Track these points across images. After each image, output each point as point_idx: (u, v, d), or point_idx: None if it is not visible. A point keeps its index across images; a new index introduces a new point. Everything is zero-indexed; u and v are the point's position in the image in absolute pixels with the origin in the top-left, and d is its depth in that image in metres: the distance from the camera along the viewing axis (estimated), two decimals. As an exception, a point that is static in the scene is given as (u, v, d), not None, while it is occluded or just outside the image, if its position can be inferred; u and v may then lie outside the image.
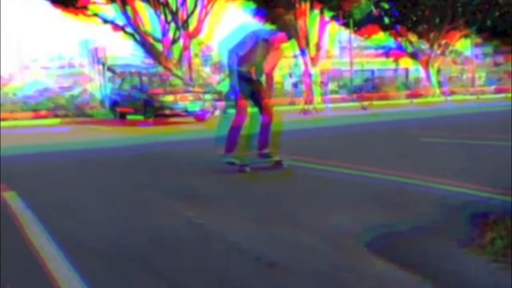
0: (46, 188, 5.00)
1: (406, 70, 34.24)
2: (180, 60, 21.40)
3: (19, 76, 31.31)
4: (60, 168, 6.34)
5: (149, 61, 23.37)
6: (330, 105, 20.11)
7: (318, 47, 24.79)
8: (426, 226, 3.16)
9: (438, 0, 25.56)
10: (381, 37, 28.91)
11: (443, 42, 28.18)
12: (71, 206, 4.13)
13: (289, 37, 5.42)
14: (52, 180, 5.48)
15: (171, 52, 21.33)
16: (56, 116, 17.73)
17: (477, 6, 26.12)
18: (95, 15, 21.00)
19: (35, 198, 4.37)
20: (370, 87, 27.28)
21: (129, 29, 21.26)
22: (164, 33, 21.32)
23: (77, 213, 3.88)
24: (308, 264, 2.58)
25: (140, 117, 14.82)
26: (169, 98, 14.41)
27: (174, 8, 21.09)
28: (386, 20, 27.64)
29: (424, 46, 28.61)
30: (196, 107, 14.38)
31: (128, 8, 20.72)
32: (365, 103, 19.14)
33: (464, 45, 31.74)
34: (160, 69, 20.44)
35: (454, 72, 32.02)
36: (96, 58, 22.98)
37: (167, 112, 14.20)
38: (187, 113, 14.24)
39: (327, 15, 24.94)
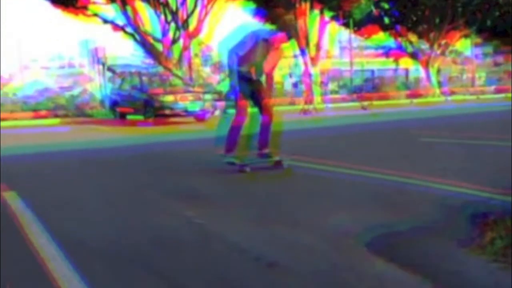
0: (46, 188, 5.00)
1: (406, 70, 34.23)
2: (180, 60, 21.40)
3: (19, 76, 31.30)
4: (60, 168, 6.34)
5: (149, 61, 23.37)
6: (330, 105, 20.11)
7: (318, 47, 24.79)
8: (426, 226, 3.16)
9: (438, 0, 25.56)
10: (381, 37, 28.90)
11: (443, 42, 28.18)
12: (71, 206, 4.13)
13: (289, 37, 5.41)
14: (52, 180, 5.49)
15: (171, 52, 21.33)
16: (56, 116, 17.73)
17: (477, 6, 26.11)
18: (95, 15, 21.00)
19: (35, 198, 4.37)
20: (370, 87, 27.27)
21: (129, 29, 21.26)
22: (164, 33, 21.33)
23: (77, 213, 3.88)
24: (308, 264, 2.58)
25: (140, 117, 14.81)
26: (169, 98, 14.41)
27: (174, 8, 21.09)
28: (386, 20, 27.63)
29: (424, 46, 28.60)
30: (196, 107, 14.38)
31: (128, 8, 20.72)
32: (365, 103, 19.14)
33: (464, 45, 31.73)
34: (160, 69, 20.44)
35: (454, 72, 32.01)
36: (96, 58, 22.99)
37: (167, 112, 14.20)
38: (187, 113, 14.23)
39: (327, 15, 24.93)
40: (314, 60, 24.36)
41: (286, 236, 3.07)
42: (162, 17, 21.20)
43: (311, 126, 12.12)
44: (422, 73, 29.46)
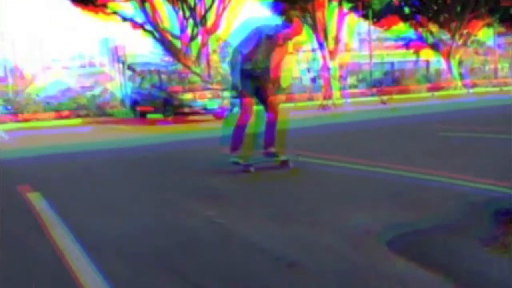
0: (69, 188, 5.09)
1: (427, 62, 33.67)
2: (198, 57, 21.47)
3: (42, 76, 31.84)
4: (83, 168, 6.44)
5: (168, 58, 23.50)
6: (349, 100, 19.94)
7: (336, 40, 24.54)
8: (447, 224, 3.13)
9: (459, -12, 25.07)
10: (401, 28, 28.44)
11: (464, 32, 27.58)
12: (95, 207, 4.19)
13: (295, 34, 5.15)
14: (75, 181, 5.58)
15: (189, 49, 21.42)
16: (78, 116, 17.97)
17: (500, -6, 25.52)
18: (115, 13, 21.19)
19: (59, 198, 4.45)
20: (390, 81, 26.90)
21: (148, 27, 21.41)
22: (183, 29, 21.41)
23: (100, 213, 3.94)
24: (329, 263, 2.58)
25: (159, 116, 14.93)
26: (188, 96, 14.48)
27: (192, 4, 21.15)
28: (406, 10, 27.18)
29: (445, 36, 28.04)
30: (214, 105, 14.41)
31: (147, 5, 20.86)
32: (385, 97, 18.92)
33: (486, 34, 31.01)
34: (179, 66, 20.54)
35: (476, 63, 31.32)
36: (116, 56, 23.20)
37: (186, 110, 14.27)
38: (206, 111, 14.28)
39: (346, 6, 24.66)
40: (332, 54, 24.15)
41: (306, 235, 3.07)
42: (180, 13, 21.27)
43: (330, 122, 12.04)
44: (443, 64, 28.93)
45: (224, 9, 21.57)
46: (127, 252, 2.92)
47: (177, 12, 21.31)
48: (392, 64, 36.34)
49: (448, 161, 5.33)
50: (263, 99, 5.33)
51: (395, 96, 20.68)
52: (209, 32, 21.76)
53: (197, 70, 20.11)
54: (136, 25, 21.52)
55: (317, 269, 2.52)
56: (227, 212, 3.70)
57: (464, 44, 28.38)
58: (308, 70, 22.23)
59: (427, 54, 31.23)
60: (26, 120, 17.23)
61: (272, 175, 5.14)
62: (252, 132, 5.34)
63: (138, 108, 16.46)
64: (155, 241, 3.12)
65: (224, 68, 24.33)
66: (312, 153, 6.09)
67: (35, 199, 4.46)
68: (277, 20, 5.76)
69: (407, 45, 30.82)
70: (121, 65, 22.42)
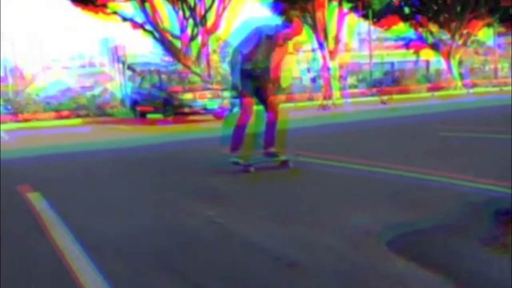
0: (69, 188, 5.10)
1: (427, 62, 33.67)
2: (198, 57, 21.48)
3: (42, 76, 31.84)
4: (83, 169, 6.44)
5: (168, 58, 23.51)
6: (349, 100, 19.94)
7: (336, 40, 24.54)
8: (447, 224, 3.13)
9: (459, -12, 25.06)
10: (401, 28, 28.43)
11: (464, 31, 27.57)
12: (95, 207, 4.20)
13: (295, 34, 5.13)
14: (75, 181, 5.58)
15: (189, 49, 21.42)
16: (78, 116, 17.98)
17: (500, -6, 25.51)
18: (115, 13, 21.19)
19: (59, 198, 4.45)
20: (390, 81, 26.90)
21: (148, 27, 21.41)
22: (183, 29, 21.41)
23: (100, 213, 3.94)
24: (329, 263, 2.58)
25: (159, 116, 14.93)
26: (188, 96, 14.48)
27: (192, 4, 21.15)
28: (406, 10, 27.18)
29: (445, 36, 28.04)
30: (214, 105, 14.41)
31: (147, 5, 20.87)
32: (385, 97, 18.92)
33: (486, 34, 31.02)
34: (179, 66, 20.54)
35: (476, 63, 31.30)
36: (116, 56, 23.20)
37: (186, 110, 14.27)
38: (206, 111, 14.28)
39: (346, 6, 24.66)
40: (332, 54, 24.15)
41: (306, 235, 3.06)
42: (180, 13, 21.27)
43: (330, 122, 12.04)
44: (443, 64, 28.93)
45: (224, 9, 21.57)
46: (127, 252, 2.92)
47: (177, 12, 21.31)
48: (392, 64, 36.34)
49: (448, 161, 5.33)
50: (263, 99, 5.31)
51: (395, 96, 20.68)
52: (209, 32, 21.76)
53: (197, 70, 20.12)
54: (136, 25, 21.53)
55: (317, 269, 2.52)
56: (227, 212, 3.70)
57: (464, 44, 28.37)
58: (308, 70, 22.23)
59: (427, 54, 31.23)
60: (26, 120, 17.23)
61: (272, 175, 5.14)
62: (252, 132, 5.33)
63: (138, 108, 16.46)
64: (154, 241, 3.13)
65: (224, 68, 24.35)
66: (312, 153, 6.09)
67: (35, 199, 4.46)
68: (277, 20, 5.74)
69: (407, 45, 30.82)
70: (121, 65, 22.43)
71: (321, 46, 24.21)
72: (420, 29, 28.36)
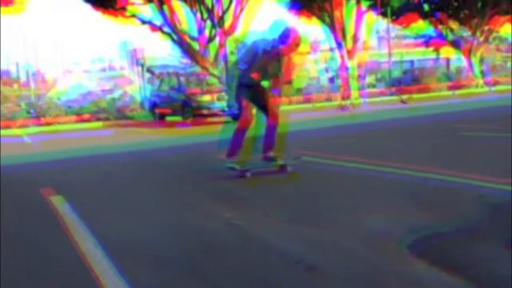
0: (91, 191, 5.17)
1: (447, 60, 33.19)
2: (216, 58, 21.56)
3: (63, 80, 32.37)
4: (104, 171, 6.52)
5: (186, 60, 23.65)
6: (368, 100, 19.77)
7: (355, 39, 24.36)
8: (470, 226, 3.09)
9: (480, -17, 24.63)
10: (421, 26, 28.09)
11: (486, 28, 27.10)
12: (116, 209, 4.25)
13: (290, 50, 5.05)
14: (96, 183, 5.65)
15: (207, 51, 21.52)
16: (98, 119, 18.23)
17: (522, -12, 24.97)
18: (133, 16, 21.43)
19: (81, 201, 4.51)
20: (409, 79, 26.60)
21: (166, 29, 21.58)
22: (200, 31, 21.53)
23: (121, 216, 3.98)
24: (348, 267, 2.56)
25: (178, 118, 15.04)
26: (207, 98, 14.55)
27: (210, 5, 21.25)
28: (426, 7, 26.83)
29: (466, 33, 27.61)
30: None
31: (165, 7, 21.04)
32: (404, 96, 18.72)
33: (508, 30, 30.45)
34: (197, 68, 20.66)
35: (497, 60, 30.74)
36: (135, 59, 23.46)
37: (205, 112, 14.35)
38: (224, 112, 14.33)
39: (364, 4, 24.47)
40: (351, 53, 23.99)
41: (325, 238, 3.05)
42: (198, 15, 21.39)
43: (348, 123, 11.97)
44: (464, 62, 28.50)
45: (241, 10, 21.62)
46: (148, 254, 2.95)
47: (195, 14, 21.43)
48: (412, 62, 35.92)
49: (469, 162, 5.26)
50: (262, 105, 5.26)
51: (415, 95, 20.43)
52: (227, 33, 21.83)
53: (215, 72, 20.20)
54: (154, 27, 21.72)
55: (337, 272, 2.51)
56: (245, 215, 3.71)
57: (486, 41, 27.88)
58: (326, 70, 22.15)
59: (447, 51, 30.79)
60: (48, 124, 17.57)
61: (288, 176, 5.13)
62: (251, 136, 5.27)
63: (157, 111, 16.61)
64: (175, 243, 3.15)
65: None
66: (328, 155, 6.08)
67: (58, 202, 4.53)
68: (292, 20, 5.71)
69: (426, 43, 30.43)
70: (140, 68, 22.68)
71: (339, 45, 24.07)
72: (440, 26, 27.96)
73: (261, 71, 5.11)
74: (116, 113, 18.80)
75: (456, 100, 18.50)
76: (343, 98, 16.71)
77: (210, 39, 21.53)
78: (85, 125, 17.42)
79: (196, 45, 21.60)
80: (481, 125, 8.76)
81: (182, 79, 16.44)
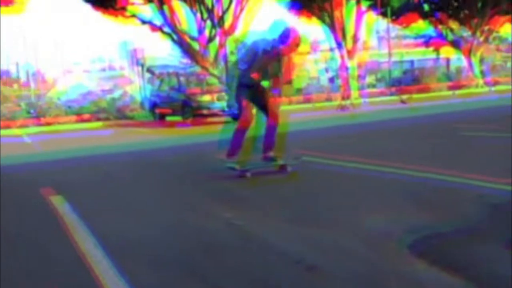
0: (91, 191, 5.17)
1: (447, 60, 33.21)
2: (216, 58, 21.57)
3: (63, 80, 32.37)
4: (104, 171, 6.52)
5: (186, 60, 23.67)
6: (368, 100, 19.78)
7: (355, 39, 24.38)
8: (470, 226, 3.09)
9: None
10: (421, 26, 28.11)
11: (486, 28, 27.11)
12: (116, 209, 4.25)
13: (290, 51, 5.05)
14: (97, 183, 5.65)
15: (207, 51, 21.53)
16: (98, 119, 18.24)
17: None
18: (134, 16, 21.44)
19: (81, 201, 4.51)
20: (409, 79, 26.61)
21: (166, 29, 21.59)
22: (200, 31, 21.53)
23: (121, 216, 3.98)
24: (348, 267, 2.57)
25: (178, 118, 15.04)
26: (207, 98, 14.56)
27: (210, 5, 21.26)
28: (426, 7, 26.84)
29: (466, 33, 27.61)
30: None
31: (165, 7, 21.04)
32: (404, 96, 18.72)
33: (508, 30, 30.46)
34: (197, 68, 20.66)
35: (497, 60, 30.74)
36: (135, 59, 23.47)
37: (205, 112, 14.35)
38: (224, 112, 14.33)
39: (364, 4, 24.49)
40: (351, 53, 24.00)
41: (326, 238, 3.05)
42: (198, 15, 21.40)
43: (348, 123, 11.98)
44: (464, 62, 28.51)
45: (241, 10, 21.62)
46: (148, 254, 2.95)
47: (195, 14, 21.44)
48: (412, 62, 35.94)
49: (469, 162, 5.26)
50: (262, 105, 5.26)
51: (414, 95, 20.44)
52: (227, 33, 21.84)
53: (215, 72, 20.21)
54: (154, 27, 21.73)
55: (337, 272, 2.51)
56: (246, 215, 3.72)
57: (486, 41, 27.90)
58: (326, 70, 22.17)
59: (447, 51, 30.81)
60: (48, 124, 17.57)
61: (289, 176, 5.13)
62: (251, 136, 5.26)
63: (157, 111, 16.62)
64: (174, 243, 3.16)
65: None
66: (328, 154, 6.08)
67: (58, 202, 4.53)
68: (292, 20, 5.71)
69: (426, 43, 30.44)
70: (140, 68, 22.68)
71: (339, 45, 24.08)
72: (440, 26, 27.98)
73: (261, 71, 5.11)
74: (116, 113, 18.81)
75: (456, 100, 18.51)
76: (343, 98, 16.72)
77: (210, 39, 21.53)
78: (85, 125, 17.42)
79: (196, 45, 21.61)
80: (481, 125, 8.76)
81: (182, 79, 16.45)
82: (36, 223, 3.93)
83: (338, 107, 16.23)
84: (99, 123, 17.65)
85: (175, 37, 21.62)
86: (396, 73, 28.36)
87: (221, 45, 21.73)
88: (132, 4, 21.29)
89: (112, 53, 41.20)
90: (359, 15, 24.59)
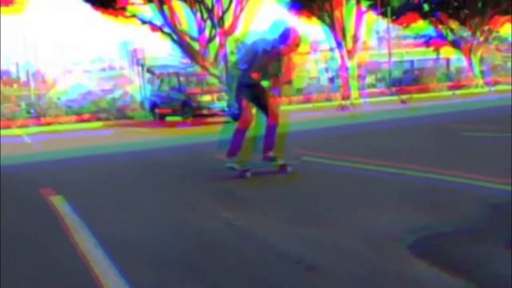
0: (91, 191, 5.16)
1: (447, 60, 33.22)
2: (216, 58, 21.58)
3: (63, 80, 32.38)
4: (104, 171, 6.53)
5: (186, 60, 23.68)
6: (368, 100, 19.78)
7: (355, 39, 24.39)
8: (470, 226, 3.09)
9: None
10: (421, 26, 28.14)
11: (486, 28, 27.12)
12: (116, 210, 4.25)
13: (290, 51, 5.05)
14: (97, 183, 5.64)
15: (207, 51, 21.54)
16: (99, 119, 18.24)
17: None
18: (134, 16, 21.45)
19: (81, 202, 4.51)
20: (409, 79, 26.61)
21: (166, 29, 21.60)
22: (200, 31, 21.55)
23: (122, 216, 3.98)
24: (349, 267, 2.56)
25: (178, 118, 15.04)
26: (207, 98, 14.56)
27: (210, 5, 21.27)
28: (426, 7, 26.85)
29: (466, 33, 27.61)
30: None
31: (165, 8, 21.05)
32: (404, 96, 18.72)
33: (508, 30, 30.47)
34: (197, 68, 20.68)
35: (497, 60, 30.75)
36: (135, 59, 23.48)
37: (205, 112, 14.36)
38: (224, 112, 14.33)
39: (364, 4, 24.51)
40: (351, 53, 24.02)
41: (325, 238, 3.05)
42: (198, 15, 21.41)
43: (348, 123, 11.98)
44: (464, 62, 28.52)
45: (241, 10, 21.63)
46: (150, 255, 2.95)
47: (195, 14, 21.45)
48: (412, 62, 35.97)
49: (470, 162, 5.25)
50: (262, 105, 5.25)
51: (415, 95, 20.45)
52: (227, 33, 21.84)
53: (215, 72, 20.21)
54: (154, 27, 21.74)
55: (337, 272, 2.51)
56: (246, 215, 3.72)
57: (486, 41, 27.91)
58: (326, 70, 22.19)
59: (447, 51, 30.82)
60: (48, 124, 17.58)
61: (289, 177, 5.13)
62: (251, 136, 5.26)
63: (157, 111, 16.63)
64: (175, 243, 3.16)
65: (242, 69, 24.25)
66: (327, 154, 6.07)
67: (58, 202, 4.53)
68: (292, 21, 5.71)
69: (427, 43, 30.46)
70: (140, 68, 22.69)
71: (339, 45, 24.10)
72: (440, 26, 27.99)
73: (261, 71, 5.10)
74: (116, 113, 18.82)
75: (456, 100, 18.51)
76: (343, 98, 16.74)
77: (210, 39, 21.54)
78: (85, 125, 17.43)
79: (196, 45, 21.62)
80: (481, 125, 8.76)
81: (182, 79, 16.46)
82: (36, 223, 3.92)
83: (338, 107, 16.24)
84: (99, 123, 17.65)
85: (175, 37, 21.63)
86: (396, 73, 28.37)
87: (221, 45, 21.74)
88: (132, 4, 21.30)
89: (112, 53, 41.26)
90: (359, 15, 24.61)
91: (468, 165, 5.00)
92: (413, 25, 28.02)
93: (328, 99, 20.47)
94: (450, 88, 24.51)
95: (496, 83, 25.55)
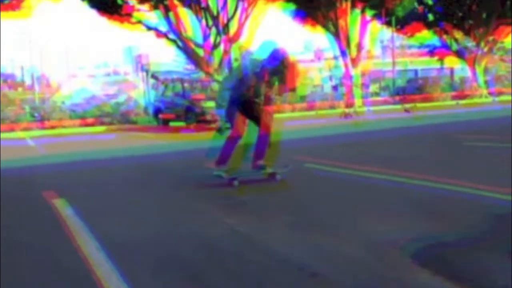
0: (94, 195, 5.17)
1: (451, 70, 33.24)
2: (220, 65, 21.67)
3: (67, 84, 32.52)
4: (107, 175, 6.54)
5: (191, 67, 23.77)
6: (371, 108, 19.78)
7: (359, 47, 24.45)
8: (473, 236, 3.08)
9: (485, -7, 24.68)
10: (425, 35, 28.18)
11: (490, 38, 27.14)
12: (119, 213, 4.25)
13: (291, 73, 5.02)
14: (99, 187, 5.65)
15: (212, 57, 21.63)
16: (102, 123, 18.30)
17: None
18: (139, 22, 21.58)
19: (84, 205, 4.52)
20: (413, 88, 26.59)
21: (171, 35, 21.72)
22: (205, 38, 21.65)
23: (124, 220, 3.98)
24: (351, 275, 2.56)
25: (182, 124, 15.07)
26: (210, 104, 14.56)
27: (215, 13, 21.38)
28: (430, 17, 26.91)
29: (470, 43, 27.63)
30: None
31: (171, 14, 21.18)
32: (408, 105, 18.71)
33: (512, 41, 30.50)
34: (202, 74, 20.74)
35: (501, 71, 30.72)
36: (140, 65, 23.58)
37: (208, 118, 14.38)
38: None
39: (369, 13, 24.58)
40: (355, 61, 24.06)
41: (327, 245, 3.04)
42: (203, 22, 21.53)
43: (351, 131, 11.97)
44: (468, 72, 28.51)
45: (246, 17, 21.74)
46: (151, 259, 2.95)
47: (200, 21, 21.56)
48: (416, 71, 35.99)
49: (472, 172, 5.24)
50: (254, 117, 5.23)
51: (418, 104, 20.41)
52: (232, 40, 21.94)
53: (220, 78, 20.26)
54: (160, 34, 21.87)
55: (340, 280, 2.51)
56: (250, 219, 3.71)
57: (490, 51, 27.91)
58: (330, 78, 22.22)
59: (451, 61, 30.82)
60: (52, 127, 17.64)
61: (289, 184, 5.14)
62: (243, 144, 5.24)
63: (161, 116, 16.67)
64: (176, 248, 3.15)
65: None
66: (331, 162, 6.07)
67: (60, 205, 4.54)
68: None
69: (431, 53, 30.49)
70: (144, 74, 22.77)
71: (343, 53, 24.15)
72: (444, 36, 28.03)
73: (252, 90, 5.09)
74: (120, 118, 18.88)
75: (460, 110, 18.47)
76: (346, 106, 16.77)
77: (215, 46, 21.64)
78: (89, 129, 17.48)
79: (201, 52, 21.72)
80: (484, 136, 8.74)
81: (186, 85, 16.51)
82: (38, 226, 3.93)
83: (342, 115, 16.25)
84: (103, 127, 17.70)
85: (180, 43, 21.74)
86: (400, 82, 28.38)
87: (226, 52, 21.83)
88: (138, 10, 21.44)
89: (117, 58, 41.52)
90: (364, 24, 24.68)
91: (471, 175, 4.99)
92: (418, 34, 28.07)
93: (332, 107, 20.48)
94: (454, 97, 24.49)
95: (500, 93, 25.51)
